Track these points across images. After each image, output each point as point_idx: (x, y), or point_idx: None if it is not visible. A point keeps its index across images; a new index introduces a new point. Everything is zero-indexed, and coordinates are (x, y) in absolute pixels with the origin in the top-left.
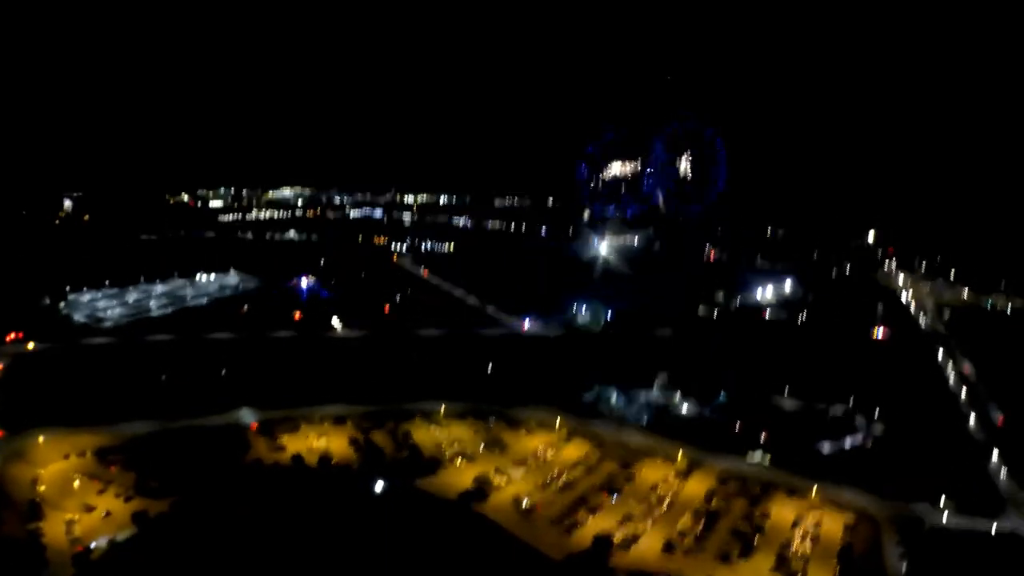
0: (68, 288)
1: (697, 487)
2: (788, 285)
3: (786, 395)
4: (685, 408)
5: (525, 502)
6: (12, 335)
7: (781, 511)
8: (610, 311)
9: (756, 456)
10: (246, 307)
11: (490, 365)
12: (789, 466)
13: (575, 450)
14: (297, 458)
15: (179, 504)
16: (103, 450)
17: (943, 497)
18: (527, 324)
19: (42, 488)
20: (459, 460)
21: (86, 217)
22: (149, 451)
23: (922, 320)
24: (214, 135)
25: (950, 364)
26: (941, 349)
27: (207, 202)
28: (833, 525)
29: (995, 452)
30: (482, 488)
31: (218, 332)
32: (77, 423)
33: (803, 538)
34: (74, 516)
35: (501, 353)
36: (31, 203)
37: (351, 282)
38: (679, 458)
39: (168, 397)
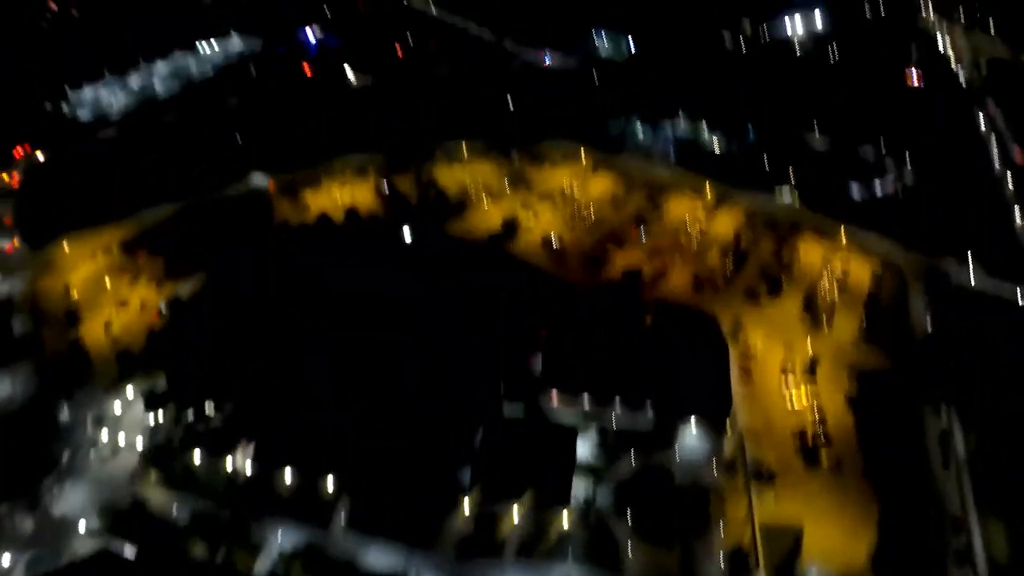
0: (67, 86)
1: (725, 224)
2: (819, 18)
3: (816, 132)
4: (713, 142)
5: (553, 239)
6: (20, 149)
7: (809, 253)
8: (632, 39)
9: (784, 193)
10: (253, 69)
11: (510, 99)
12: (818, 207)
13: (601, 184)
14: (323, 216)
15: (210, 281)
16: (128, 242)
17: (970, 256)
18: (547, 56)
19: (75, 294)
20: (485, 200)
21: (73, 11)
22: (173, 233)
23: (959, 70)
24: None
25: (982, 117)
26: (976, 102)
27: None
28: (860, 272)
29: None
30: (510, 227)
31: (228, 99)
32: (99, 221)
33: (830, 283)
34: (110, 315)
35: (521, 86)
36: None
37: (360, 27)
38: (707, 193)
39: (185, 176)
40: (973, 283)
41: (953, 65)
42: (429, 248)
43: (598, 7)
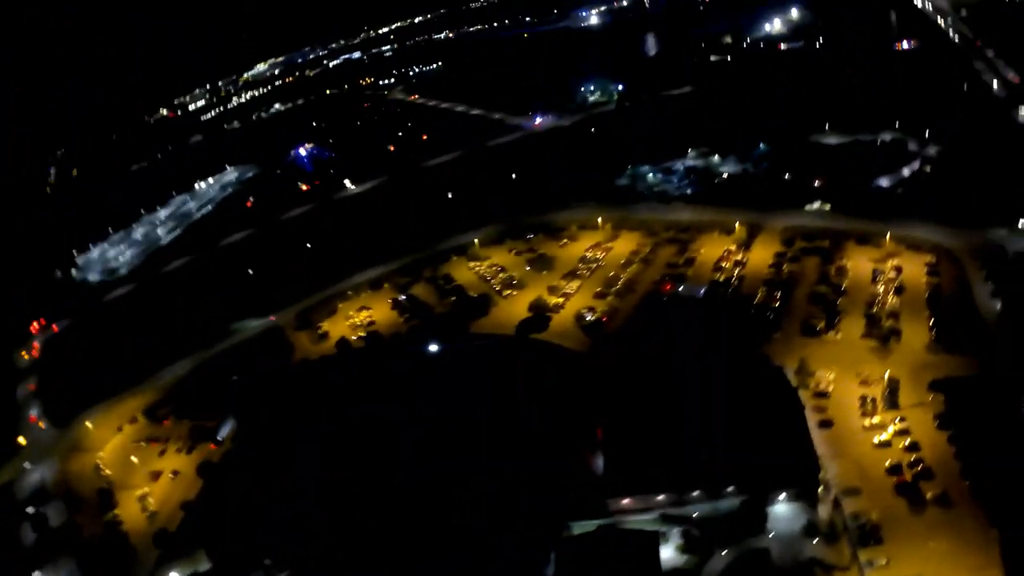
0: (74, 252)
1: (763, 254)
2: (795, 11)
3: (827, 129)
4: (726, 169)
5: (588, 316)
6: (35, 324)
7: (857, 263)
8: (620, 84)
9: (815, 205)
10: (251, 200)
11: (513, 175)
12: (852, 210)
13: (626, 244)
14: (342, 343)
15: (238, 439)
16: (151, 408)
17: (1021, 220)
18: (539, 120)
19: (107, 471)
20: (508, 291)
21: (74, 172)
22: (195, 391)
23: (943, 24)
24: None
25: (983, 67)
26: (970, 53)
27: (186, 107)
28: (914, 268)
29: None
30: (540, 314)
31: (232, 235)
32: (119, 390)
33: (887, 290)
34: (144, 489)
35: (521, 158)
36: (17, 183)
37: (349, 134)
38: (737, 227)
39: (199, 323)
40: None
41: (940, 23)
42: (458, 355)
43: (579, 63)
